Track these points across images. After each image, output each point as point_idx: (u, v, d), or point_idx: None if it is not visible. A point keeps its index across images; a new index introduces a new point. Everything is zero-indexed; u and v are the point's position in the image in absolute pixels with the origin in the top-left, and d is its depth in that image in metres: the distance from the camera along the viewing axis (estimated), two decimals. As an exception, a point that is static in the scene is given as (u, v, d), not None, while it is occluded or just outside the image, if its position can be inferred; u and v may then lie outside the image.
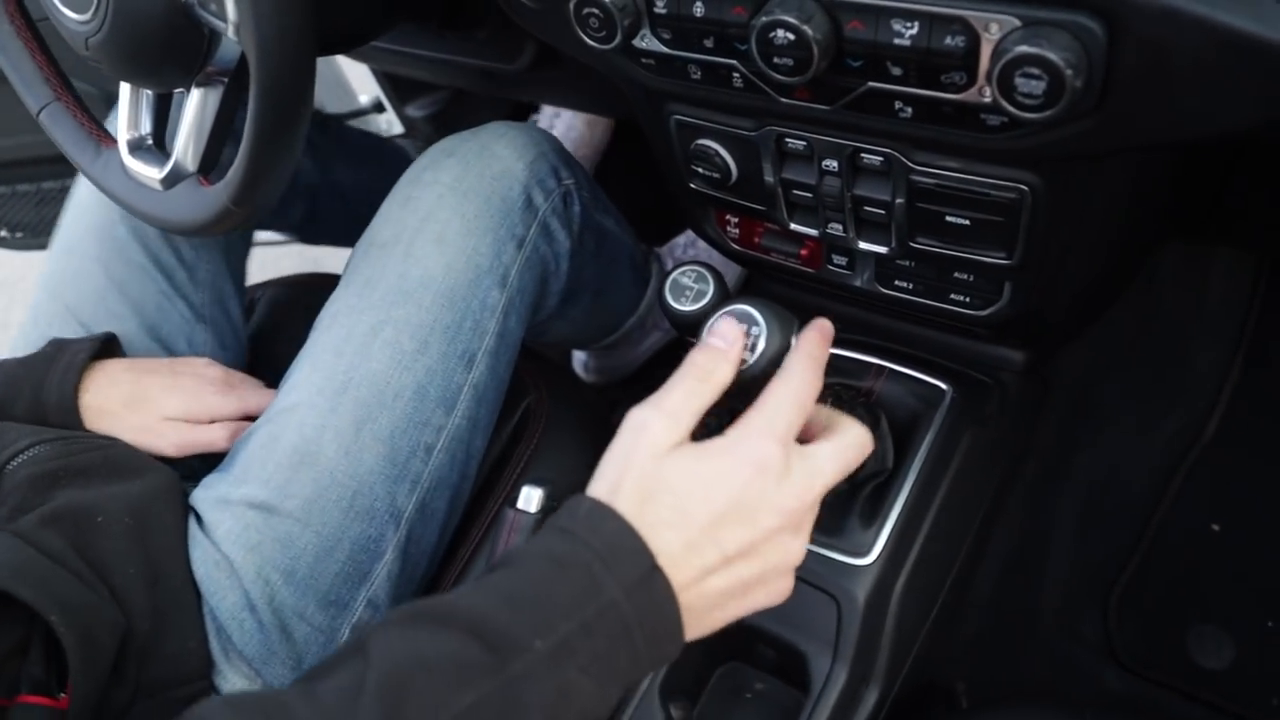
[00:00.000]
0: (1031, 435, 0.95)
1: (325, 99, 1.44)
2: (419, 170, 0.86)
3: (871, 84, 0.61)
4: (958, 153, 0.66)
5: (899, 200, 0.71)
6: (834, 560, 0.75)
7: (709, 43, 0.66)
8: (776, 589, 0.54)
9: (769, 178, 0.77)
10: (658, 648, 0.48)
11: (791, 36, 0.59)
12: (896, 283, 0.80)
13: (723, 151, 0.77)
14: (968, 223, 0.69)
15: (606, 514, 0.49)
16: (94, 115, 0.83)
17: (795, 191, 0.77)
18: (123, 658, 0.67)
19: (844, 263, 0.81)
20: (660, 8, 0.66)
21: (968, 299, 0.77)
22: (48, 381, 0.80)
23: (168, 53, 0.70)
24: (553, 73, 0.91)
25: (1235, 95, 0.51)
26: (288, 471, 0.76)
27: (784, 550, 0.52)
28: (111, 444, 0.80)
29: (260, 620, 0.73)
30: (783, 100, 0.66)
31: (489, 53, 0.94)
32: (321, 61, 1.42)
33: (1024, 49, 0.52)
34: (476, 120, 0.91)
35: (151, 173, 0.78)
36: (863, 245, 0.77)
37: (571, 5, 0.68)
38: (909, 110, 0.62)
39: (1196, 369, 1.07)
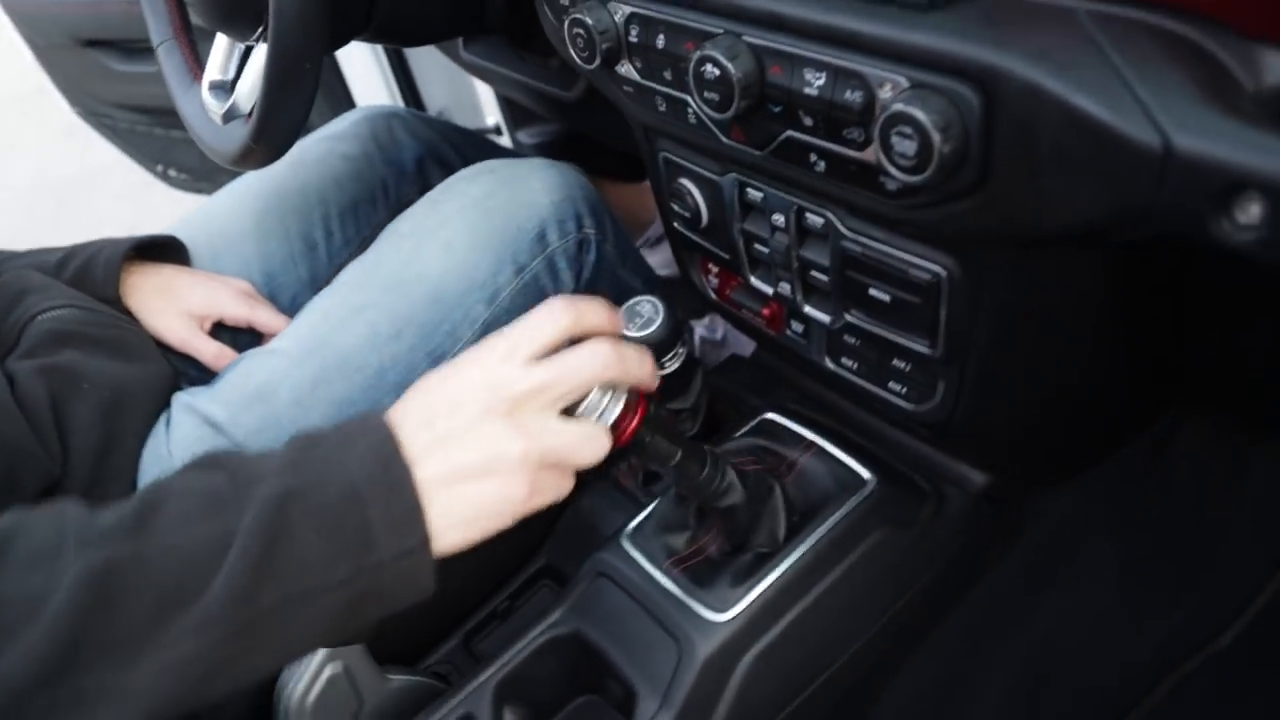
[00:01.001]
0: (984, 567, 0.89)
1: (457, 115, 1.57)
2: (456, 179, 0.93)
3: (790, 132, 0.63)
4: (880, 223, 0.66)
5: (835, 265, 0.71)
6: (688, 607, 0.73)
7: (668, 75, 0.69)
8: (509, 485, 0.55)
9: (733, 226, 0.78)
10: (395, 530, 0.52)
11: (717, 72, 0.62)
12: (843, 360, 0.78)
13: (695, 192, 0.80)
14: (889, 299, 0.68)
15: (362, 416, 0.57)
16: (199, 57, 0.96)
17: (756, 246, 0.78)
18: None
19: (800, 330, 0.81)
20: (633, 37, 0.70)
21: (904, 390, 0.75)
22: (104, 250, 0.92)
23: (240, 7, 0.81)
24: (596, 104, 0.97)
25: (1092, 182, 0.49)
26: (245, 402, 0.83)
27: (493, 438, 0.55)
28: (129, 325, 0.90)
29: None
30: (724, 139, 0.69)
31: (553, 79, 1.01)
32: (458, 81, 1.56)
33: (899, 107, 0.53)
34: (578, 157, 0.97)
35: (216, 109, 0.89)
36: (808, 310, 0.77)
37: (566, 22, 0.74)
38: (822, 164, 0.62)
39: (1217, 567, 0.97)
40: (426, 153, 1.11)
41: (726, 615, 0.72)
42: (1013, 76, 0.49)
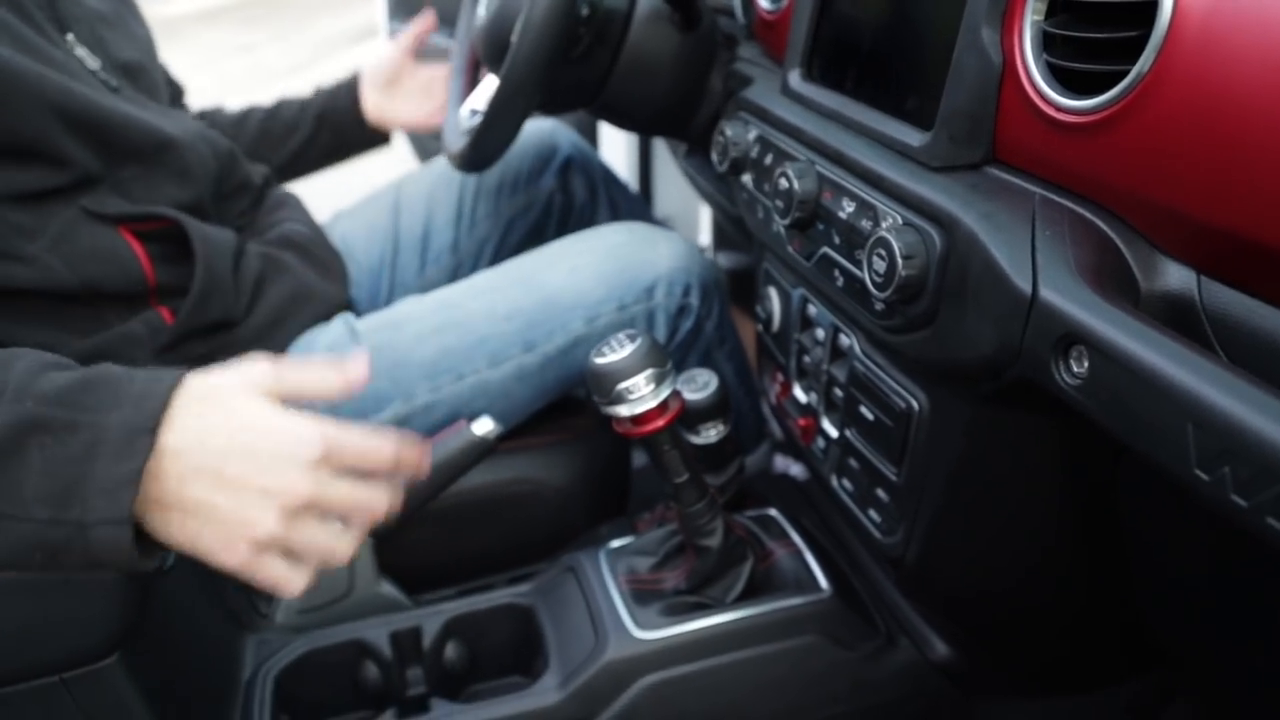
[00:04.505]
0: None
1: (678, 226, 1.79)
2: (605, 227, 1.13)
3: (825, 248, 0.76)
4: (881, 350, 0.76)
5: (846, 381, 0.81)
6: (619, 616, 0.83)
7: (766, 187, 0.85)
8: (230, 545, 0.58)
9: (792, 335, 0.91)
10: (105, 497, 0.55)
11: (786, 185, 0.77)
12: (844, 481, 0.87)
13: (775, 299, 0.93)
14: (872, 419, 0.78)
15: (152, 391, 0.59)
16: (474, 85, 1.23)
17: (804, 358, 0.90)
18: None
19: (822, 447, 0.91)
20: (753, 154, 0.87)
21: (880, 520, 0.82)
22: None
23: (501, 52, 1.06)
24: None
25: (989, 321, 0.58)
26: (380, 325, 1.03)
27: (250, 513, 0.58)
28: (336, 255, 1.18)
29: None
30: (788, 248, 0.82)
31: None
32: (689, 198, 1.77)
33: (882, 234, 0.65)
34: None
35: (466, 124, 1.14)
36: (825, 424, 0.87)
37: (715, 131, 0.92)
38: (841, 280, 0.75)
39: None
40: (575, 156, 1.34)
41: (647, 635, 0.81)
42: (963, 225, 0.61)
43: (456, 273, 1.31)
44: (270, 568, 0.60)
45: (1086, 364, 0.51)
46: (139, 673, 0.74)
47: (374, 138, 1.35)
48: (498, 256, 1.33)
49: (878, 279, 0.66)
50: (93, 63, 0.97)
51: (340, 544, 0.62)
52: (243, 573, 0.59)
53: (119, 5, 1.09)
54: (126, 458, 0.55)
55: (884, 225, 0.68)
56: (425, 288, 1.30)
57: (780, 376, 0.99)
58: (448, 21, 1.90)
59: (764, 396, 1.03)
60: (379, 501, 0.62)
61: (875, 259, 0.66)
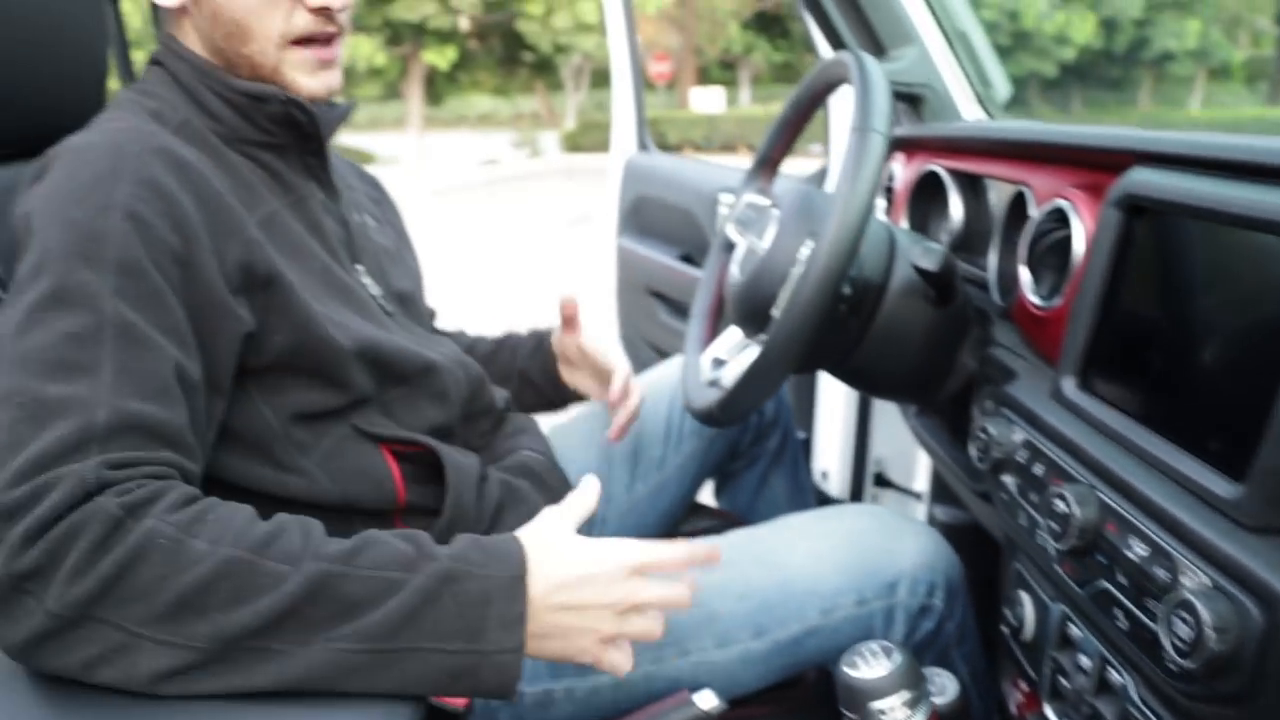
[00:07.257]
0: None
1: (890, 467, 1.74)
2: (851, 507, 1.11)
3: (1105, 583, 0.71)
4: (1168, 707, 0.69)
5: (1118, 726, 0.74)
6: None
7: (1033, 496, 0.81)
8: (587, 643, 0.77)
9: (1047, 650, 0.84)
10: (502, 630, 0.72)
11: (1065, 510, 0.73)
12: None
13: (1028, 605, 0.87)
14: (1152, 780, 0.70)
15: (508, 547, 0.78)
16: (715, 333, 1.27)
17: (1060, 679, 0.83)
18: None
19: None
20: (1019, 457, 0.84)
21: None
22: None
23: (757, 317, 1.09)
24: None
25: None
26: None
27: (598, 623, 0.77)
28: (569, 483, 1.20)
29: None
30: (1056, 568, 0.77)
31: (967, 470, 1.15)
32: (905, 439, 1.73)
33: (1188, 596, 0.60)
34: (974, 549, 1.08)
35: (707, 373, 1.17)
36: (1084, 763, 0.79)
37: (977, 426, 0.89)
38: (1125, 623, 0.69)
39: None
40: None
41: None
42: (1289, 610, 0.55)
43: (662, 489, 1.33)
44: (610, 657, 0.79)
45: None
46: None
47: (563, 399, 1.36)
48: (699, 473, 1.36)
49: (1180, 645, 0.60)
50: (375, 290, 1.07)
51: (655, 626, 0.81)
52: (590, 664, 0.79)
53: (399, 241, 1.21)
54: (513, 601, 0.73)
55: (1186, 583, 0.63)
56: (633, 503, 1.31)
57: (1024, 685, 0.92)
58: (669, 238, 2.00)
59: (1003, 701, 0.96)
60: (680, 592, 0.81)
61: (1178, 622, 0.61)
